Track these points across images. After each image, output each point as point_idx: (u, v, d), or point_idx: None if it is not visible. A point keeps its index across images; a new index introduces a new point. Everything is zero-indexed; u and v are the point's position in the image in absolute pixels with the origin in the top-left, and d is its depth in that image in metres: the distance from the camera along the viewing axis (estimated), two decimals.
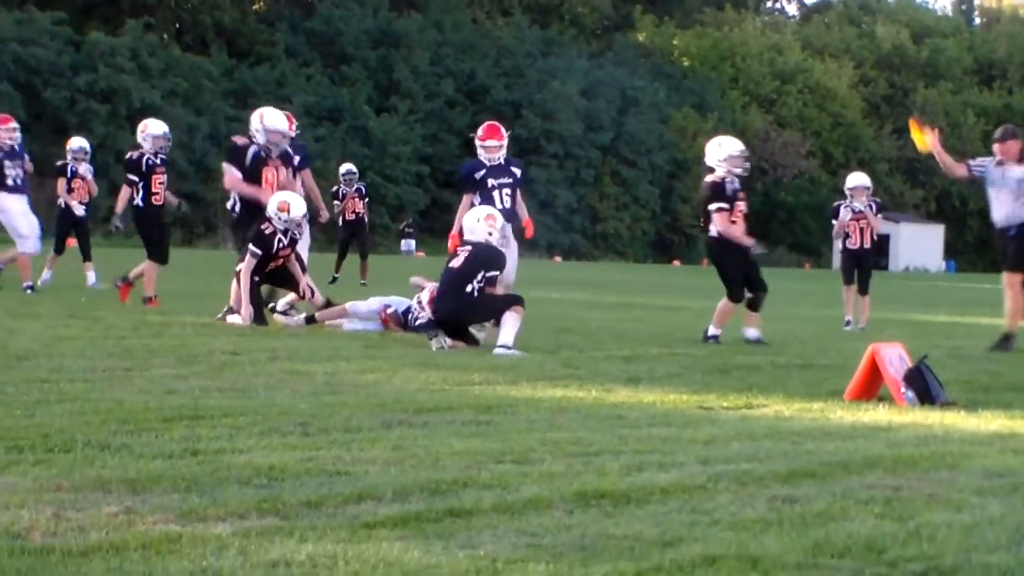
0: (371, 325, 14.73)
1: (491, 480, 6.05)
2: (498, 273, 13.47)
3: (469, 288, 13.22)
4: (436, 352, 12.45)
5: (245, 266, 14.65)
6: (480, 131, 15.44)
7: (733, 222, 15.10)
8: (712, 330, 15.11)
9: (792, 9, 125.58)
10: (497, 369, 11.00)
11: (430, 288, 14.19)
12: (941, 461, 7.00)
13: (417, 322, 14.20)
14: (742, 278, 15.26)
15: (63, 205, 21.40)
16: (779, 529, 5.30)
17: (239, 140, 15.59)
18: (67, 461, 6.14)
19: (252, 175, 15.28)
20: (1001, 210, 15.64)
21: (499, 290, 13.53)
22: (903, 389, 9.60)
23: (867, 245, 19.68)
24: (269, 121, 15.23)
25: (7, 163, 18.62)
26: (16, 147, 18.98)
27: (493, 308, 13.25)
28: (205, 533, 4.93)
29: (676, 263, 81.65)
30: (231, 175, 15.44)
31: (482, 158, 15.12)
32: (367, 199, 26.18)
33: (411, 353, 12.08)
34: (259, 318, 14.52)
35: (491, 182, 15.06)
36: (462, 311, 13.30)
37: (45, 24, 66.36)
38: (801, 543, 5.07)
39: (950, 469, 6.79)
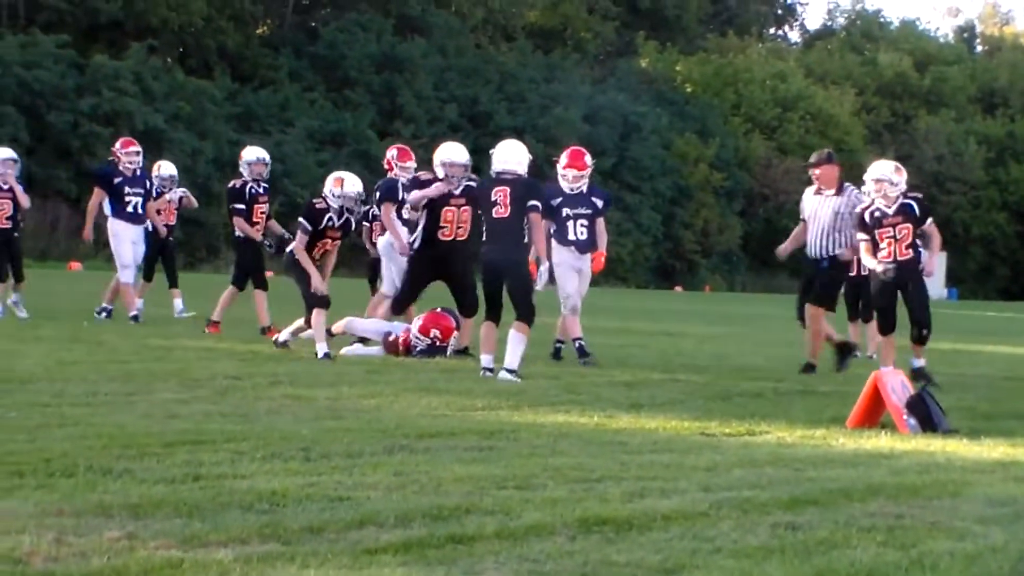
0: (373, 350, 14.75)
1: (493, 506, 6.04)
2: (539, 203, 13.30)
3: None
4: (438, 377, 12.42)
5: (298, 243, 14.56)
6: (563, 158, 15.15)
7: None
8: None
9: (795, 36, 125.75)
10: (499, 394, 10.99)
11: (421, 318, 14.36)
12: (943, 489, 6.99)
13: (417, 349, 14.25)
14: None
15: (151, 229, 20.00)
16: (781, 557, 5.30)
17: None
18: (69, 486, 6.14)
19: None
20: (816, 241, 15.10)
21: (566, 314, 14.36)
22: (905, 416, 9.59)
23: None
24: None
25: (128, 189, 18.30)
26: (139, 172, 18.60)
27: (524, 288, 13.18)
28: (207, 559, 4.92)
29: (678, 289, 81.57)
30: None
31: (562, 186, 14.94)
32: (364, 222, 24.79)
33: (413, 378, 12.07)
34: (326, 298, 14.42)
35: (566, 211, 14.86)
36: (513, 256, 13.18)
37: (49, 47, 66.37)
38: (803, 571, 5.07)
39: (952, 497, 6.79)
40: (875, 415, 9.83)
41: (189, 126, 68.91)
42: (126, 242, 18.23)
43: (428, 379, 12.09)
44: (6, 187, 18.16)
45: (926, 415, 9.58)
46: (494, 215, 13.20)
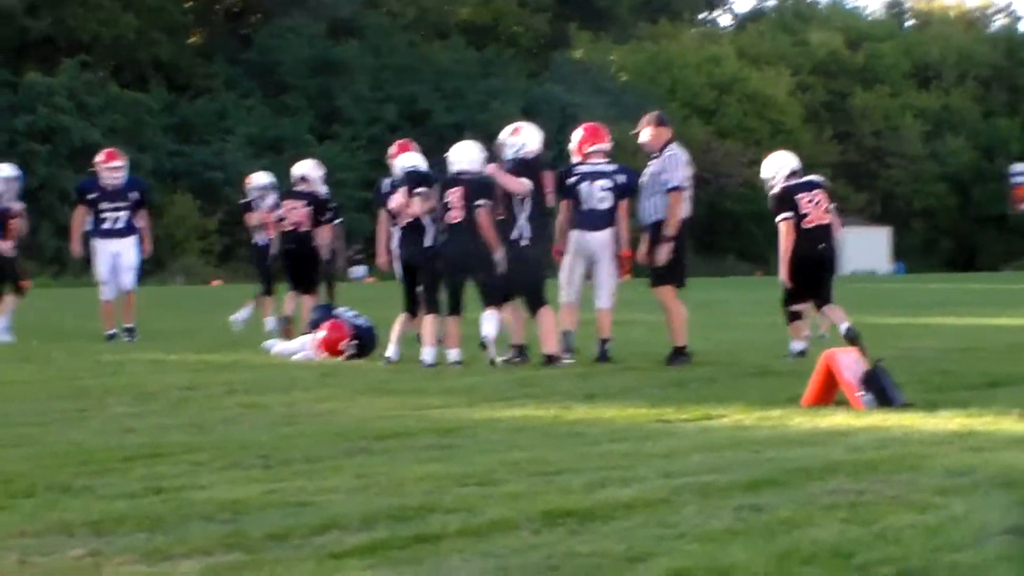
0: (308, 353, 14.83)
1: (455, 504, 6.04)
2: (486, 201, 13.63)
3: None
4: (391, 378, 12.41)
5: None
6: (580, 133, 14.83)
7: None
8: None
9: (726, 20, 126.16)
10: (454, 392, 11.00)
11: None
12: (902, 463, 7.04)
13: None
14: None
15: (258, 243, 19.74)
16: (746, 539, 5.32)
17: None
18: (29, 506, 6.10)
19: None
20: (640, 206, 14.78)
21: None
22: (860, 393, 9.64)
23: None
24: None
25: (104, 204, 18.04)
26: (122, 185, 18.26)
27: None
28: (172, 572, 4.91)
29: (627, 277, 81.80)
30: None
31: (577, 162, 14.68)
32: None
33: (366, 379, 12.07)
34: None
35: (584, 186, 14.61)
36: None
37: None
38: (769, 551, 5.09)
39: (911, 471, 6.83)
40: (830, 393, 9.88)
41: (127, 139, 68.39)
42: (100, 260, 18.09)
43: (381, 380, 12.09)
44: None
45: (880, 390, 9.64)
46: (449, 218, 13.64)
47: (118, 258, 18.09)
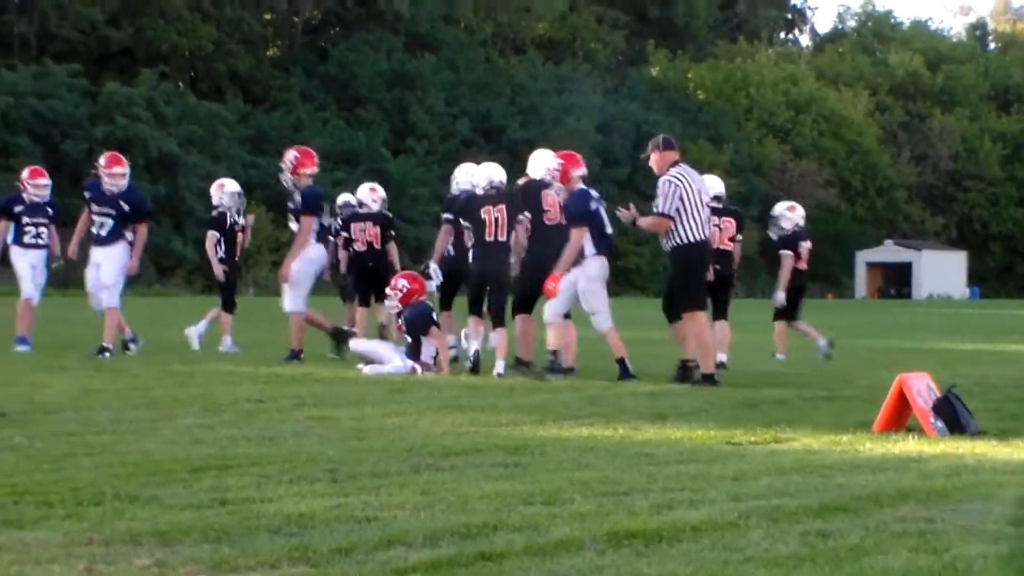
0: (395, 368, 14.83)
1: (521, 522, 6.02)
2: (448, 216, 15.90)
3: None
4: (461, 394, 12.41)
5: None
6: (558, 160, 14.83)
7: None
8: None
9: (805, 40, 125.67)
10: (523, 410, 10.98)
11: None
12: (974, 491, 6.96)
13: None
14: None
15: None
16: (812, 565, 5.27)
17: None
18: (97, 514, 6.13)
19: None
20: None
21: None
22: (932, 419, 9.55)
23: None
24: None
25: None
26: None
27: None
28: None
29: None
30: None
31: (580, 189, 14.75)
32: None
33: (436, 396, 12.07)
34: None
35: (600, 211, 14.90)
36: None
37: (62, 77, 66.68)
38: None
39: (984, 499, 6.75)
40: (901, 419, 9.80)
41: (203, 150, 69.13)
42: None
43: (451, 396, 12.09)
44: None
45: (953, 417, 9.54)
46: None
47: (98, 269, 17.34)
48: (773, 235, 20.01)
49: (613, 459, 8.12)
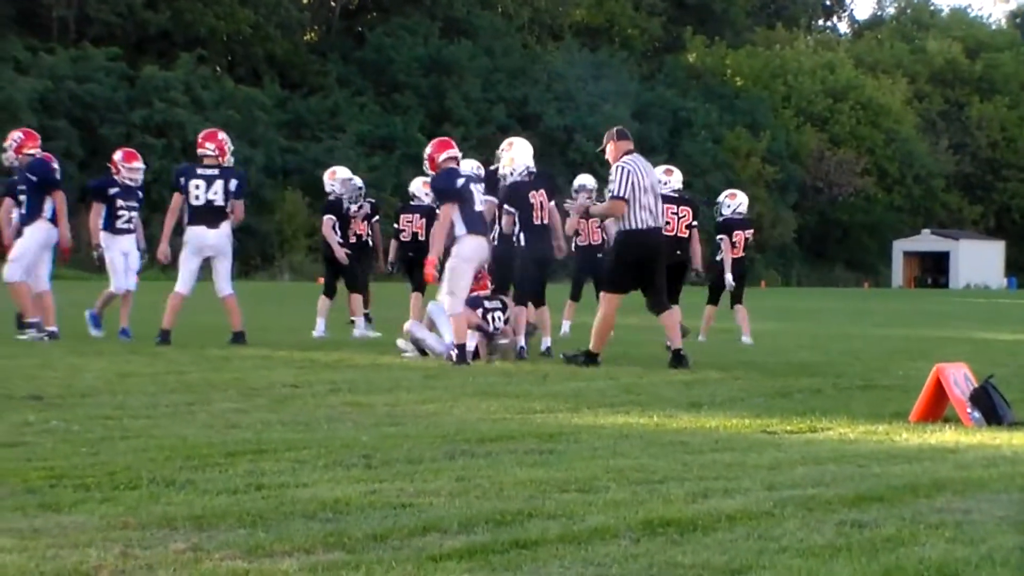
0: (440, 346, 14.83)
1: (556, 510, 6.02)
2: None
3: None
4: (496, 380, 12.41)
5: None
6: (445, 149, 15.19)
7: None
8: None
9: (844, 27, 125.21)
10: (558, 397, 10.98)
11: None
12: (1011, 483, 6.92)
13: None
14: None
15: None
16: (848, 555, 5.25)
17: None
18: (133, 498, 6.16)
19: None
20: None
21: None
22: (969, 409, 9.51)
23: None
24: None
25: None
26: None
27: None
28: (272, 568, 4.93)
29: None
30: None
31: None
32: (375, 219, 21.36)
33: (471, 382, 12.07)
34: None
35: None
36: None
37: (100, 60, 66.94)
38: (871, 569, 5.03)
39: (1021, 491, 6.72)
40: (938, 409, 9.76)
41: (240, 134, 69.15)
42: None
43: (486, 383, 12.09)
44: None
45: (991, 408, 9.50)
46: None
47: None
48: (718, 220, 21.00)
49: (648, 447, 8.11)
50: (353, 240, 20.23)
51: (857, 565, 5.08)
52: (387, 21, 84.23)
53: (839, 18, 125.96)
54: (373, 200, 21.34)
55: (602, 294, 14.65)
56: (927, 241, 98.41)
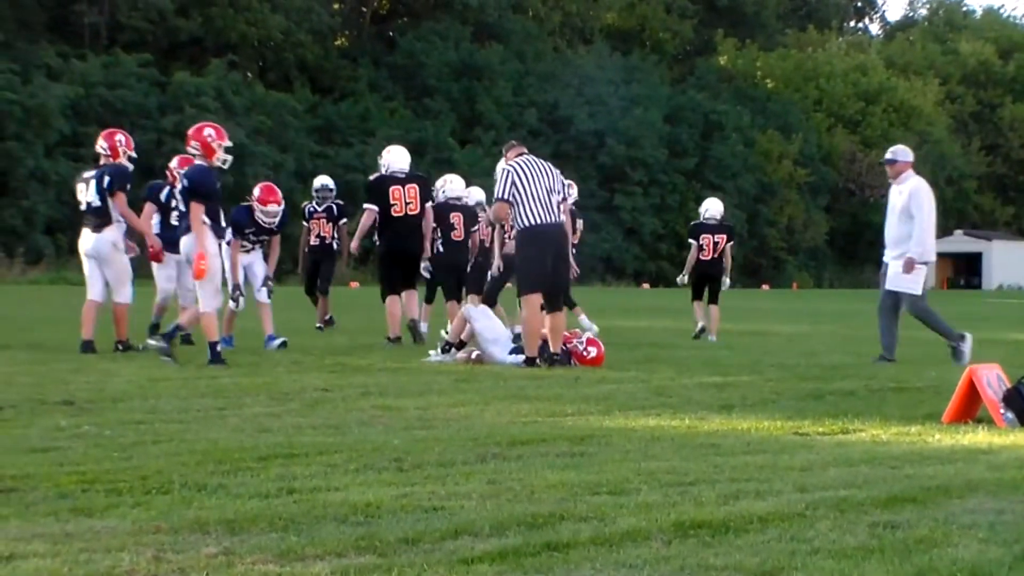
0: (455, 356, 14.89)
1: (588, 512, 6.01)
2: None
3: None
4: (527, 384, 12.40)
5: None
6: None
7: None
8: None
9: (875, 28, 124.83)
10: (589, 399, 10.97)
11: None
12: None
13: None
14: None
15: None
16: (881, 556, 5.23)
17: None
18: (165, 503, 6.17)
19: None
20: None
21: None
22: (1002, 410, 9.47)
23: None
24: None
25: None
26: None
27: None
28: (304, 572, 4.93)
29: (765, 287, 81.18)
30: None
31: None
32: (342, 221, 21.82)
33: (502, 386, 12.07)
34: None
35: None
36: None
37: (131, 67, 67.17)
38: (904, 570, 5.01)
39: None
40: (971, 410, 9.72)
41: (271, 140, 69.43)
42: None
43: (517, 386, 12.08)
44: None
45: (1023, 408, 9.45)
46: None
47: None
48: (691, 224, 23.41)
49: (679, 449, 8.09)
50: (316, 242, 20.36)
51: (890, 566, 5.06)
52: (418, 26, 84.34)
53: (871, 19, 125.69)
54: (341, 202, 21.55)
55: (521, 299, 14.79)
56: (960, 242, 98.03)
